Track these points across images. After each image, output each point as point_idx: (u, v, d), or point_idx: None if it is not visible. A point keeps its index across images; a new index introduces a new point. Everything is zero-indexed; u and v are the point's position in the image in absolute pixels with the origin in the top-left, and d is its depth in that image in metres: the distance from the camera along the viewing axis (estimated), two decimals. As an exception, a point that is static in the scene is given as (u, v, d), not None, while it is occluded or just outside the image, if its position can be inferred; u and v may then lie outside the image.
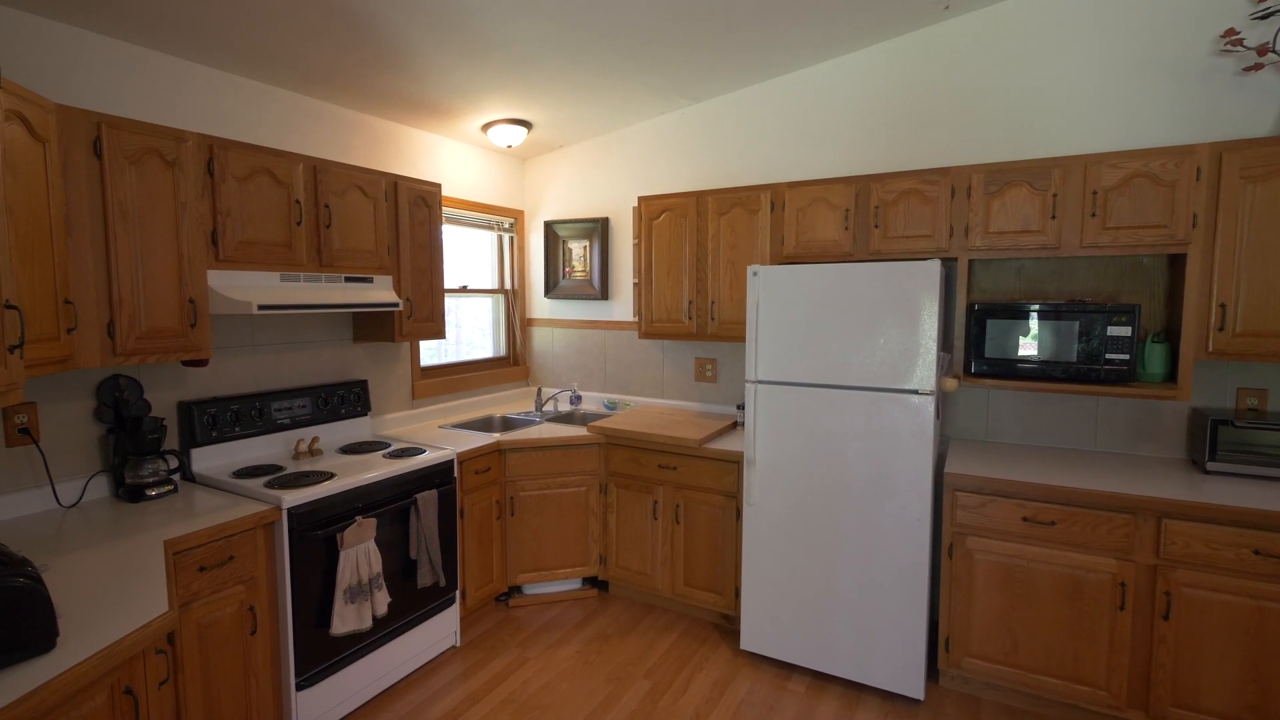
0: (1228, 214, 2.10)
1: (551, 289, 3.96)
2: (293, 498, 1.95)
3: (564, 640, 2.73)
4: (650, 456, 2.94)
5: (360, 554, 2.06)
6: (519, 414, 3.59)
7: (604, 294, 3.76)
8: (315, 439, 2.48)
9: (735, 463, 2.71)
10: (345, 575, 2.01)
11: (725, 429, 3.02)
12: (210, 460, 2.25)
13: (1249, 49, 2.25)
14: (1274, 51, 2.20)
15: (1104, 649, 2.09)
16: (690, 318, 3.14)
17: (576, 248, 3.89)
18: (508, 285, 4.01)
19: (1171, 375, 2.28)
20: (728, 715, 2.24)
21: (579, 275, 3.90)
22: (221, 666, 1.79)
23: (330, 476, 2.15)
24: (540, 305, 4.05)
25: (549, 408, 3.82)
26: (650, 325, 3.27)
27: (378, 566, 2.12)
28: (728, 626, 2.87)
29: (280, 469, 2.24)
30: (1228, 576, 1.93)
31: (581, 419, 3.61)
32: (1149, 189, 2.20)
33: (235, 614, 1.81)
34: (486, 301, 3.96)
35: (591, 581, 3.24)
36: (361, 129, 3.00)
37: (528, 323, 4.09)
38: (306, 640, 1.99)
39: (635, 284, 3.54)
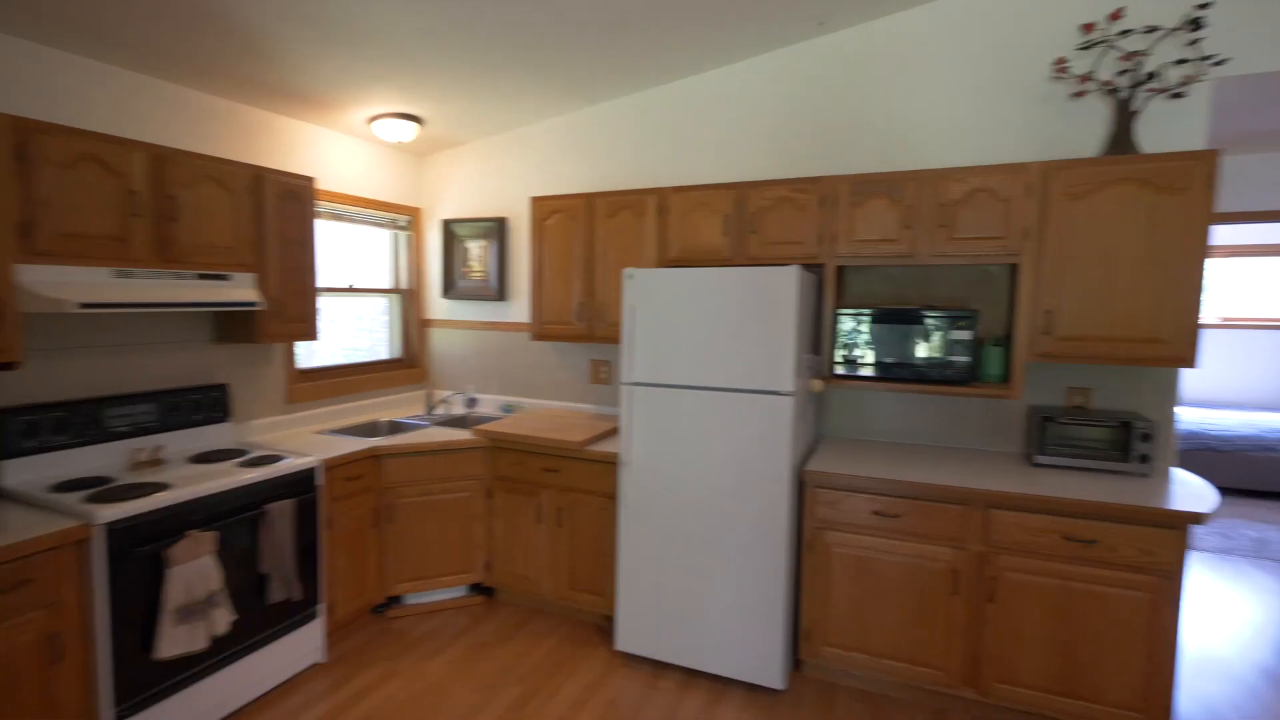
0: (1053, 228, 2.29)
1: (449, 289, 3.87)
2: (112, 512, 1.80)
3: (440, 650, 2.66)
4: (535, 460, 2.91)
5: (193, 571, 1.93)
6: (410, 418, 3.48)
7: (501, 295, 3.71)
8: (158, 448, 2.31)
9: (615, 464, 2.73)
10: (175, 594, 1.88)
11: (610, 431, 3.03)
12: (25, 473, 2.05)
13: (1074, 76, 2.46)
14: (1093, 80, 2.41)
15: (941, 632, 2.23)
16: (581, 320, 3.13)
17: (474, 248, 3.81)
18: (404, 285, 3.89)
19: (1008, 376, 2.46)
20: (595, 718, 2.24)
21: (477, 276, 3.82)
22: (14, 701, 1.63)
23: (163, 488, 2.00)
24: (438, 306, 3.94)
25: (441, 411, 3.72)
26: (542, 327, 3.24)
27: (216, 583, 2.00)
28: (608, 628, 2.88)
29: (109, 481, 2.08)
30: (1043, 560, 2.10)
31: (473, 422, 3.53)
32: (989, 203, 2.36)
33: (30, 643, 1.65)
34: (383, 302, 3.82)
35: (477, 588, 3.18)
36: (229, 117, 2.83)
37: (425, 324, 3.97)
38: (130, 666, 1.85)
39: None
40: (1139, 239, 2.19)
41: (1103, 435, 2.33)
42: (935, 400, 2.77)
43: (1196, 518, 1.93)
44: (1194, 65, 2.27)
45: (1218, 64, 2.18)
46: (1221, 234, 5.81)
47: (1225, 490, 5.14)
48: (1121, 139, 2.29)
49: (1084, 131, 2.48)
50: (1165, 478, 2.28)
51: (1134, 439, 2.27)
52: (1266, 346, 5.80)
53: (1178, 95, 2.31)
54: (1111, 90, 2.32)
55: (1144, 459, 2.26)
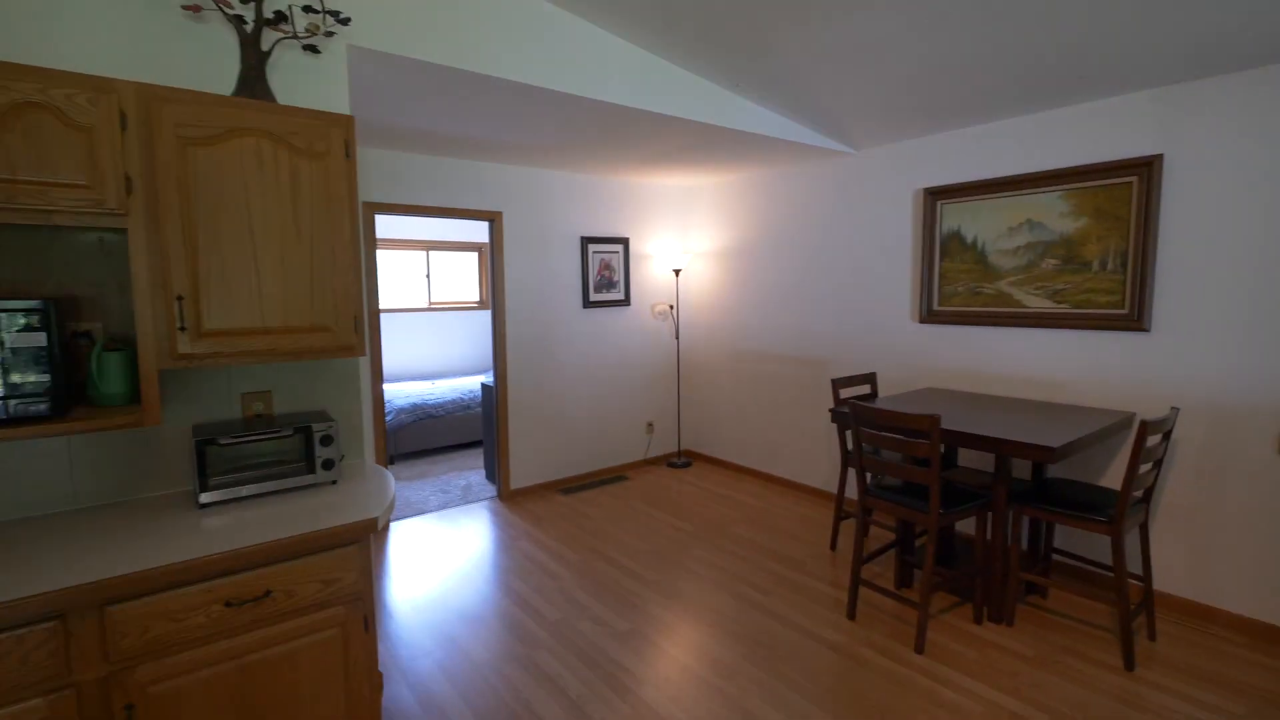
0: (171, 181, 1.64)
1: None
2: None
3: None
4: None
5: None
6: None
7: None
8: None
9: None
10: None
11: None
12: None
13: (189, -13, 1.86)
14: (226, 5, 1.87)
15: None
16: None
17: None
18: None
19: (138, 394, 1.72)
20: None
21: None
22: None
23: None
24: None
25: None
26: None
27: None
28: None
29: None
30: (203, 646, 1.51)
31: None
32: (57, 130, 1.50)
33: None
34: None
35: None
36: None
37: None
38: None
39: None
40: (287, 208, 1.81)
41: (281, 447, 1.91)
42: (28, 448, 1.75)
43: (371, 524, 1.72)
44: (320, 17, 2.04)
45: (343, 22, 2.00)
46: (431, 227, 6.81)
47: (445, 449, 6.08)
48: (253, 82, 1.85)
49: (214, 65, 1.94)
50: (356, 479, 2.06)
51: (315, 444, 1.94)
52: (463, 324, 7.20)
53: (312, 49, 2.04)
54: (237, 18, 1.84)
55: (328, 465, 1.96)
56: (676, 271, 5.15)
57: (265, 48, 1.94)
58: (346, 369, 2.23)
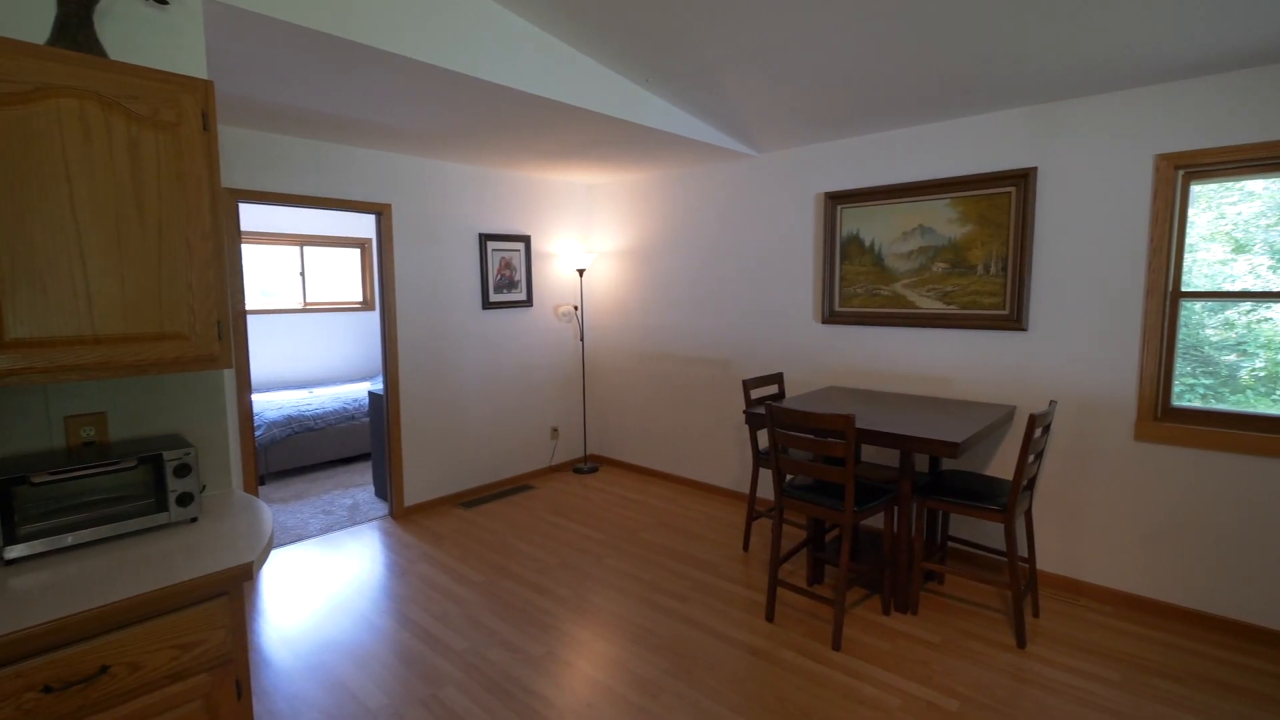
0: (-44, 148, 1.27)
1: None
2: None
3: None
4: None
5: None
6: None
7: None
8: None
9: None
10: None
11: None
12: None
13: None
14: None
15: None
16: None
17: None
18: None
19: (-91, 422, 1.32)
20: None
21: None
22: None
23: None
24: None
25: None
26: None
27: None
28: None
29: None
30: (12, 753, 1.17)
31: None
32: None
33: None
34: None
35: None
36: None
37: None
38: None
39: None
40: (125, 187, 1.47)
41: (121, 482, 1.56)
42: None
43: (245, 571, 1.43)
44: (168, -41, 1.70)
45: (197, -32, 1.67)
46: (307, 220, 6.15)
47: (326, 464, 5.52)
48: (75, 29, 1.49)
49: (22, 5, 1.55)
50: (222, 514, 1.73)
51: (167, 476, 1.61)
52: (344, 326, 6.60)
53: (161, 0, 1.69)
54: (49, -51, 1.47)
55: (184, 500, 1.63)
56: (580, 271, 4.99)
57: (91, -10, 1.57)
58: (207, 383, 1.88)
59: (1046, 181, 3.04)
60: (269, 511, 1.75)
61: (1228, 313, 2.79)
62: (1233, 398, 2.80)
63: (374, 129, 3.39)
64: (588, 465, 5.23)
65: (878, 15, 2.27)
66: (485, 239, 4.53)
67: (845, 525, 2.65)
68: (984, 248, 3.23)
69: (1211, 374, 2.83)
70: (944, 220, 3.34)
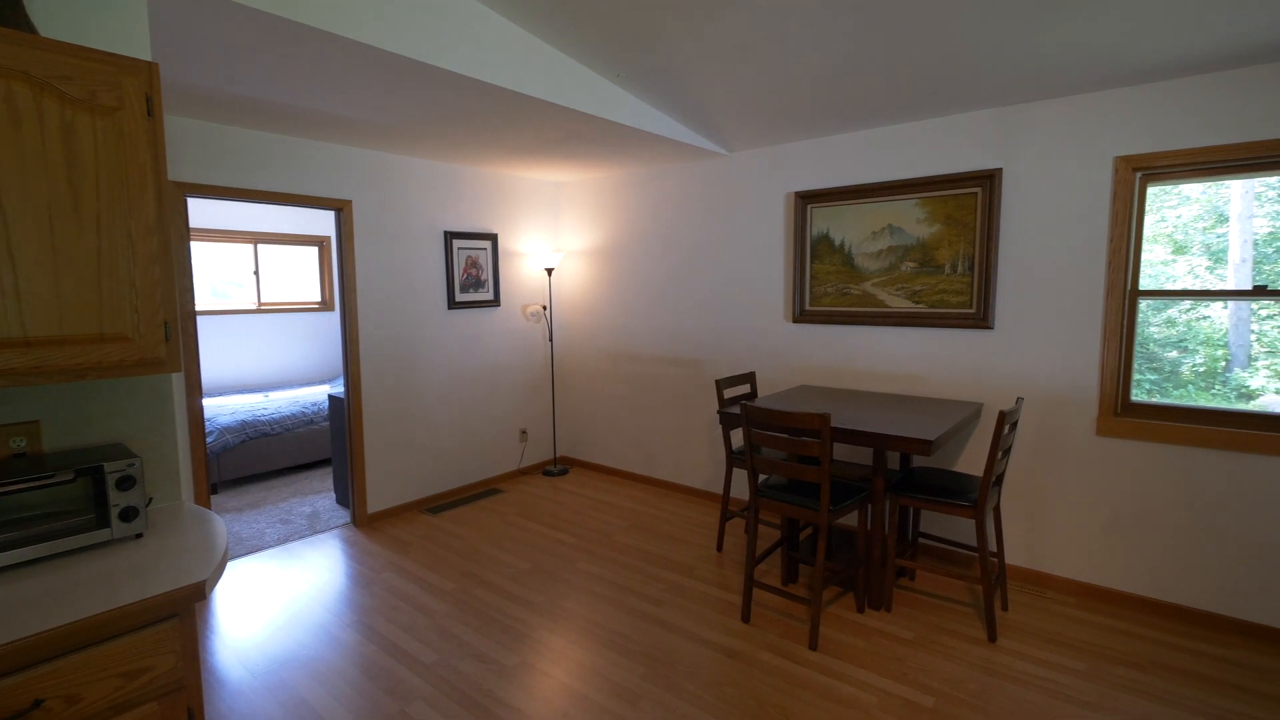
0: None
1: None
2: None
3: None
4: None
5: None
6: None
7: None
8: None
9: None
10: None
11: None
12: None
13: None
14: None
15: None
16: None
17: None
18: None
19: None
20: None
21: None
22: None
23: None
24: None
25: None
26: None
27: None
28: None
29: None
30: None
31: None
32: None
33: None
34: None
35: None
36: None
37: None
38: None
39: None
40: (58, 177, 1.35)
41: (56, 497, 1.43)
42: None
43: (196, 590, 1.33)
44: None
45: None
46: (261, 216, 5.90)
47: (283, 471, 5.31)
48: (0, 4, 1.36)
49: (-62, -21, 1.41)
50: (170, 529, 1.61)
51: (109, 489, 1.49)
52: (301, 327, 6.37)
53: (95, -26, 1.57)
54: (-30, -86, 1.34)
55: (128, 515, 1.51)
56: (549, 270, 4.91)
57: (18, -39, 1.44)
58: (153, 388, 1.76)
59: (1011, 182, 3.09)
60: (222, 525, 1.64)
61: (1169, 311, 2.90)
62: (1175, 392, 2.90)
63: (333, 121, 3.25)
64: (558, 467, 5.15)
65: (846, 12, 2.27)
66: (451, 237, 4.41)
67: (822, 524, 2.64)
68: (951, 247, 3.27)
69: (1156, 370, 2.93)
70: (912, 220, 3.38)
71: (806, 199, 3.75)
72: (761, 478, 3.21)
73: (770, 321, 4.01)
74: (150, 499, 1.69)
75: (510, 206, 4.83)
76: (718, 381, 3.52)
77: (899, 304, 3.46)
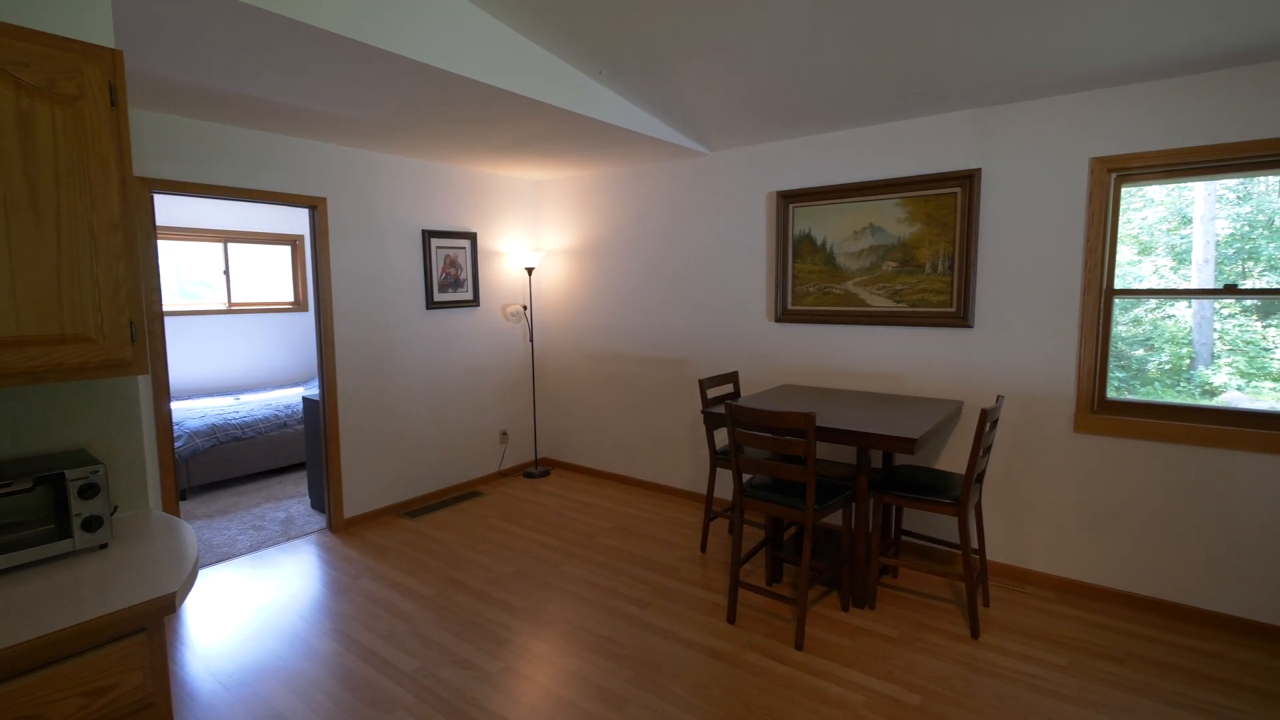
0: None
1: None
2: None
3: None
4: None
5: None
6: None
7: None
8: None
9: None
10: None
11: None
12: None
13: None
14: None
15: None
16: None
17: None
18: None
19: None
20: None
21: None
22: None
23: None
24: None
25: None
26: None
27: None
28: None
29: None
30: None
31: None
32: None
33: None
34: None
35: None
36: None
37: None
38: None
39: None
40: (13, 168, 1.28)
41: (14, 507, 1.36)
42: None
43: (166, 603, 1.27)
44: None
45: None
46: (231, 214, 5.73)
47: (256, 476, 5.17)
48: (-51, -16, 1.28)
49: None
50: (137, 538, 1.54)
51: (72, 498, 1.41)
52: (274, 328, 6.22)
53: (53, -44, 1.49)
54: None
55: (92, 525, 1.44)
56: (529, 270, 4.85)
57: (-31, -60, 1.37)
58: (119, 391, 1.68)
59: (990, 183, 3.13)
60: (192, 534, 1.57)
61: (1136, 310, 2.96)
62: (1143, 389, 2.96)
63: (306, 115, 3.17)
64: (539, 469, 5.09)
65: (828, 11, 2.26)
66: (429, 236, 4.33)
67: (808, 524, 2.64)
68: (932, 247, 3.30)
69: (1124, 368, 2.98)
70: (893, 220, 3.40)
71: (788, 198, 3.75)
72: (746, 477, 3.20)
73: (753, 321, 4.01)
74: (115, 507, 1.62)
75: (489, 205, 4.76)
76: (701, 381, 3.50)
77: (880, 303, 3.48)
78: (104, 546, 1.48)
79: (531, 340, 5.04)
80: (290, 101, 2.90)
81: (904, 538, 3.51)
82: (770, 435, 2.69)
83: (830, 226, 3.62)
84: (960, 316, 3.23)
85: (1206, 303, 2.84)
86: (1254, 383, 2.77)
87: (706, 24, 2.42)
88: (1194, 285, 2.85)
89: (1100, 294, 2.91)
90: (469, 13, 2.49)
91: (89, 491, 1.43)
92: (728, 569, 3.34)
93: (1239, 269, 2.79)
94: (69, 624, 1.15)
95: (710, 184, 4.12)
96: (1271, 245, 2.72)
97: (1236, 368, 2.82)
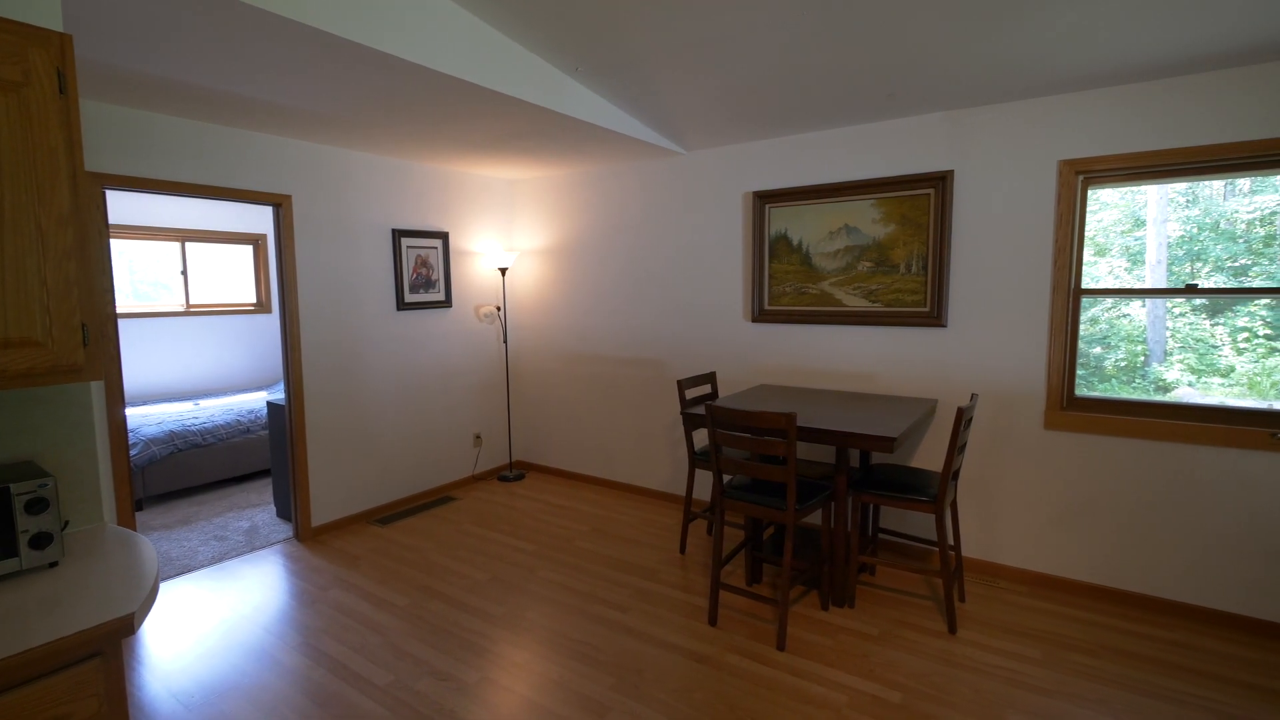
0: None
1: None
2: None
3: None
4: None
5: None
6: None
7: None
8: None
9: None
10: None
11: None
12: None
13: None
14: None
15: None
16: None
17: None
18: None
19: None
20: None
21: None
22: None
23: None
24: None
25: None
26: None
27: None
28: None
29: None
30: None
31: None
32: None
33: None
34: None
35: None
36: None
37: None
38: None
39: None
40: (-50, 160, 1.19)
41: (-48, 525, 1.26)
42: None
43: (124, 625, 1.19)
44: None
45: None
46: (190, 212, 5.51)
47: (217, 484, 4.98)
48: (-125, -42, 1.18)
49: None
50: (90, 555, 1.45)
51: (18, 514, 1.32)
52: (235, 330, 6.00)
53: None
54: None
55: (40, 542, 1.34)
56: (502, 270, 4.77)
57: (-101, -89, 1.26)
58: (70, 398, 1.58)
59: (962, 184, 3.17)
60: (151, 549, 1.48)
61: (1093, 310, 3.04)
62: (1100, 386, 3.05)
63: (271, 109, 3.05)
64: (513, 473, 5.01)
65: (804, 11, 2.26)
66: (399, 235, 4.23)
67: (789, 524, 2.64)
68: (906, 247, 3.33)
69: (1083, 365, 3.06)
70: (868, 220, 3.43)
71: (765, 199, 3.75)
72: (726, 478, 3.20)
73: (730, 321, 4.01)
74: (67, 522, 1.52)
75: (462, 204, 4.67)
76: (679, 382, 3.48)
77: (856, 303, 3.51)
78: (54, 565, 1.38)
79: (505, 341, 4.96)
80: (254, 94, 2.79)
81: (881, 535, 3.54)
82: (750, 436, 2.68)
83: (806, 227, 3.63)
84: (934, 316, 3.27)
85: (1160, 302, 2.93)
86: (1204, 379, 2.87)
87: (684, 23, 2.39)
88: (1148, 285, 2.93)
89: (1069, 293, 2.97)
90: (444, 7, 2.42)
91: (37, 506, 1.33)
92: (707, 571, 3.33)
93: (1188, 269, 2.88)
94: (14, 651, 1.07)
95: (686, 184, 4.10)
96: (1219, 247, 2.81)
97: (1188, 364, 2.92)
